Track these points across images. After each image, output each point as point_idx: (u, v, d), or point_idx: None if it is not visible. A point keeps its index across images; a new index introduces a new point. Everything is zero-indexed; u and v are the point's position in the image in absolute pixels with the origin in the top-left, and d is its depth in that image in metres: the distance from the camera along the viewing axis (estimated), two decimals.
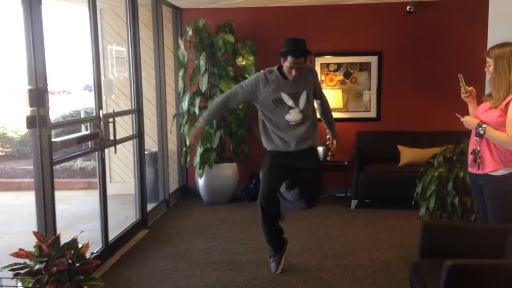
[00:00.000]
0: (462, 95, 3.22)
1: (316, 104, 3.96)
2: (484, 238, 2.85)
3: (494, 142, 2.95)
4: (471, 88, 3.22)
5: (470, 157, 3.12)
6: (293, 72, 3.61)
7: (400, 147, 5.82)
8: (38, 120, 3.17)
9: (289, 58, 3.57)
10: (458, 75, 3.18)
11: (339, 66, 6.18)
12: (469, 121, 3.08)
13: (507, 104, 2.88)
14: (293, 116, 3.69)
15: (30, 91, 3.13)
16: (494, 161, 2.96)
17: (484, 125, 2.97)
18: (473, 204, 3.68)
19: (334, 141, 4.16)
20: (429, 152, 4.55)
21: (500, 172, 2.95)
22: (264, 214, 3.81)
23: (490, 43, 4.15)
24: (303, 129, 3.73)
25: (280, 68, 3.72)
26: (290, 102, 3.68)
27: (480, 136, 3.02)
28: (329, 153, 5.88)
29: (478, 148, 3.04)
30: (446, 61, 5.98)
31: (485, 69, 3.07)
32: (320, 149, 5.87)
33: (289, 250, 4.37)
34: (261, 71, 3.82)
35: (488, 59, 3.01)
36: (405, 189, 4.53)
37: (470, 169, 3.14)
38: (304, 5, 6.05)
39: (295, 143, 3.73)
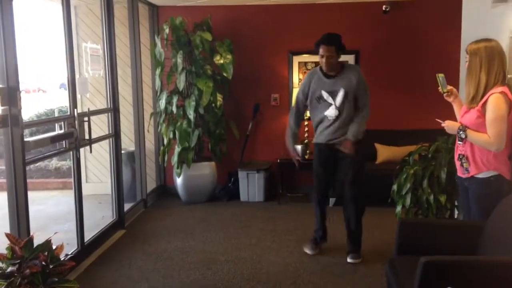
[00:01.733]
0: (444, 96, 3.16)
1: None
2: (458, 235, 2.89)
3: (476, 145, 2.91)
4: (451, 87, 3.16)
5: (457, 163, 3.07)
6: (324, 60, 3.92)
7: (377, 145, 5.88)
8: (10, 119, 3.10)
9: (320, 47, 3.92)
10: (436, 75, 3.13)
11: (316, 64, 6.15)
12: (449, 125, 3.03)
13: (484, 104, 2.83)
14: (330, 112, 4.00)
15: (1, 89, 3.06)
16: (477, 164, 2.92)
17: (465, 129, 2.92)
18: (447, 201, 3.75)
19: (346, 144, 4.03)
20: (405, 150, 4.59)
21: (483, 175, 2.91)
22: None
23: (464, 42, 4.23)
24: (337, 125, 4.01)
25: (321, 68, 4.04)
26: (330, 99, 4.00)
27: (462, 140, 2.98)
28: (307, 151, 5.90)
29: (463, 153, 2.99)
30: (422, 60, 6.05)
31: (465, 66, 3.01)
32: (299, 147, 5.89)
33: (268, 248, 4.38)
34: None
35: (466, 55, 2.97)
36: (381, 187, 4.56)
37: (460, 174, 3.09)
38: (281, 4, 6.05)
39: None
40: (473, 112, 2.90)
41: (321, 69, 4.05)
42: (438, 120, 3.10)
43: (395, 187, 4.01)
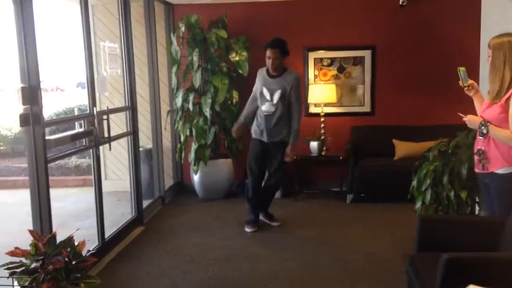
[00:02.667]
0: (465, 90, 3.12)
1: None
2: (480, 231, 2.86)
3: (497, 140, 2.87)
4: (471, 81, 3.11)
5: (476, 158, 3.04)
6: (270, 61, 4.54)
7: (395, 141, 5.83)
8: (32, 118, 3.14)
9: (267, 50, 4.56)
10: (458, 68, 3.08)
11: (332, 60, 6.18)
12: (471, 120, 3.00)
13: (508, 99, 2.79)
14: (267, 107, 4.59)
15: (23, 88, 3.11)
16: (498, 160, 2.88)
17: (487, 124, 2.88)
18: (468, 197, 3.71)
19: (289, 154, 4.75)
20: (424, 146, 4.56)
21: (504, 171, 2.87)
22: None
23: (483, 36, 4.17)
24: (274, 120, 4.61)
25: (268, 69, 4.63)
26: (267, 96, 4.59)
27: (484, 135, 2.94)
28: (324, 148, 5.89)
29: (483, 148, 2.96)
30: (440, 55, 5.99)
31: (487, 60, 2.98)
32: (315, 144, 5.89)
33: (284, 245, 4.39)
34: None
35: (488, 50, 2.93)
36: (400, 183, 4.53)
37: (476, 170, 3.07)
38: (296, 0, 6.03)
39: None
40: (496, 107, 2.86)
41: (267, 69, 4.66)
42: (460, 114, 3.06)
43: (414, 183, 3.97)
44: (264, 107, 4.60)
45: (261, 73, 4.71)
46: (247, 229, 4.77)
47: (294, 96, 4.60)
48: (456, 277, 2.27)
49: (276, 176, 4.79)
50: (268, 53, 4.53)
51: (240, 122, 4.91)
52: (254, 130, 4.76)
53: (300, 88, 4.67)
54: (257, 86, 4.72)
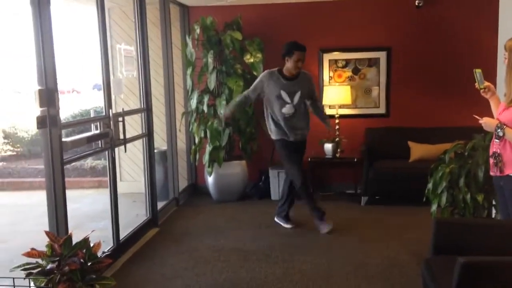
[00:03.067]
0: (481, 92, 3.07)
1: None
2: (496, 235, 2.83)
3: None
4: (488, 83, 3.07)
5: (491, 161, 3.01)
6: (299, 64, 4.56)
7: (410, 143, 5.79)
8: (49, 120, 3.18)
9: (296, 53, 4.53)
10: (474, 70, 3.03)
11: (347, 62, 6.15)
12: (487, 122, 2.96)
13: None
14: (288, 109, 4.64)
15: (40, 91, 3.15)
16: None
17: (503, 127, 2.85)
18: (485, 200, 3.66)
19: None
20: (439, 148, 4.52)
21: None
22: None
23: (501, 37, 4.11)
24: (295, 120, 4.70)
25: (280, 70, 4.66)
26: (287, 99, 4.62)
27: (500, 138, 2.91)
28: (338, 150, 5.86)
29: (498, 151, 2.93)
30: (456, 56, 5.93)
31: (503, 62, 2.93)
32: (329, 146, 5.86)
33: (298, 247, 4.37)
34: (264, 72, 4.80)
35: (504, 52, 2.89)
36: (415, 186, 4.49)
37: (491, 173, 3.04)
38: (311, 1, 6.02)
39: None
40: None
41: (279, 71, 4.67)
42: (476, 117, 3.03)
43: (430, 185, 3.93)
44: (285, 110, 4.63)
45: (273, 76, 4.66)
46: (326, 227, 4.76)
47: (314, 94, 4.84)
48: (472, 281, 2.24)
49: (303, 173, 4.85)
50: (299, 55, 4.55)
51: (231, 111, 4.94)
52: (275, 132, 4.76)
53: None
54: (270, 90, 4.65)
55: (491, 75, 3.81)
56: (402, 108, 6.09)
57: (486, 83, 3.07)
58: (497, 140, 2.95)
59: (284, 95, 4.61)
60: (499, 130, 2.88)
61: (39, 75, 3.15)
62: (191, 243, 4.55)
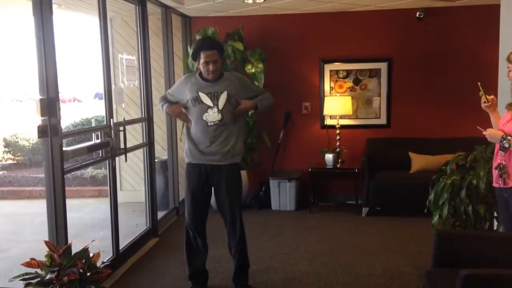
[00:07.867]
0: (483, 105, 3.08)
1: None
2: (498, 247, 2.81)
3: None
4: (492, 96, 3.08)
5: (495, 173, 3.00)
6: (210, 67, 3.42)
7: (411, 154, 5.78)
8: (50, 129, 3.18)
9: (202, 54, 3.42)
10: (478, 83, 3.05)
11: (348, 72, 6.16)
12: (492, 134, 2.96)
13: None
14: (211, 116, 3.46)
15: (41, 100, 3.15)
16: None
17: (509, 138, 2.84)
18: (486, 212, 3.65)
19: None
20: (441, 159, 4.51)
21: None
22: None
23: (502, 49, 4.12)
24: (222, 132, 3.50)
25: (200, 73, 3.54)
26: (208, 101, 3.46)
27: (505, 149, 2.89)
28: (339, 160, 5.85)
29: (503, 163, 2.92)
30: (457, 68, 5.94)
31: (505, 75, 2.95)
32: (330, 156, 5.85)
33: (300, 258, 4.35)
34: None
35: (508, 64, 2.90)
36: (416, 197, 4.48)
37: (495, 184, 3.02)
38: (312, 12, 6.04)
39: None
40: None
41: (200, 74, 3.55)
42: (479, 128, 3.02)
43: (431, 197, 3.92)
44: (208, 116, 3.46)
45: (191, 78, 3.59)
46: None
47: (254, 90, 3.82)
48: None
49: (238, 221, 3.75)
50: (207, 56, 3.43)
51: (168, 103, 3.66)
52: (190, 152, 3.57)
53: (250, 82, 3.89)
54: (187, 93, 3.52)
55: (493, 88, 3.81)
56: (403, 118, 6.09)
57: (491, 96, 3.09)
58: (502, 152, 2.94)
59: (203, 97, 3.45)
60: (505, 141, 2.87)
61: (40, 84, 3.16)
62: None
